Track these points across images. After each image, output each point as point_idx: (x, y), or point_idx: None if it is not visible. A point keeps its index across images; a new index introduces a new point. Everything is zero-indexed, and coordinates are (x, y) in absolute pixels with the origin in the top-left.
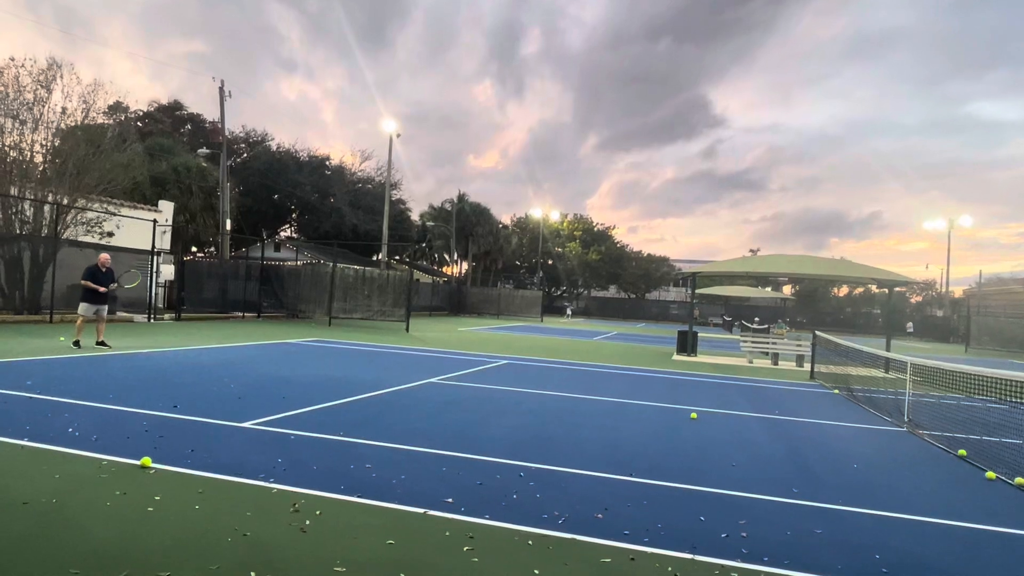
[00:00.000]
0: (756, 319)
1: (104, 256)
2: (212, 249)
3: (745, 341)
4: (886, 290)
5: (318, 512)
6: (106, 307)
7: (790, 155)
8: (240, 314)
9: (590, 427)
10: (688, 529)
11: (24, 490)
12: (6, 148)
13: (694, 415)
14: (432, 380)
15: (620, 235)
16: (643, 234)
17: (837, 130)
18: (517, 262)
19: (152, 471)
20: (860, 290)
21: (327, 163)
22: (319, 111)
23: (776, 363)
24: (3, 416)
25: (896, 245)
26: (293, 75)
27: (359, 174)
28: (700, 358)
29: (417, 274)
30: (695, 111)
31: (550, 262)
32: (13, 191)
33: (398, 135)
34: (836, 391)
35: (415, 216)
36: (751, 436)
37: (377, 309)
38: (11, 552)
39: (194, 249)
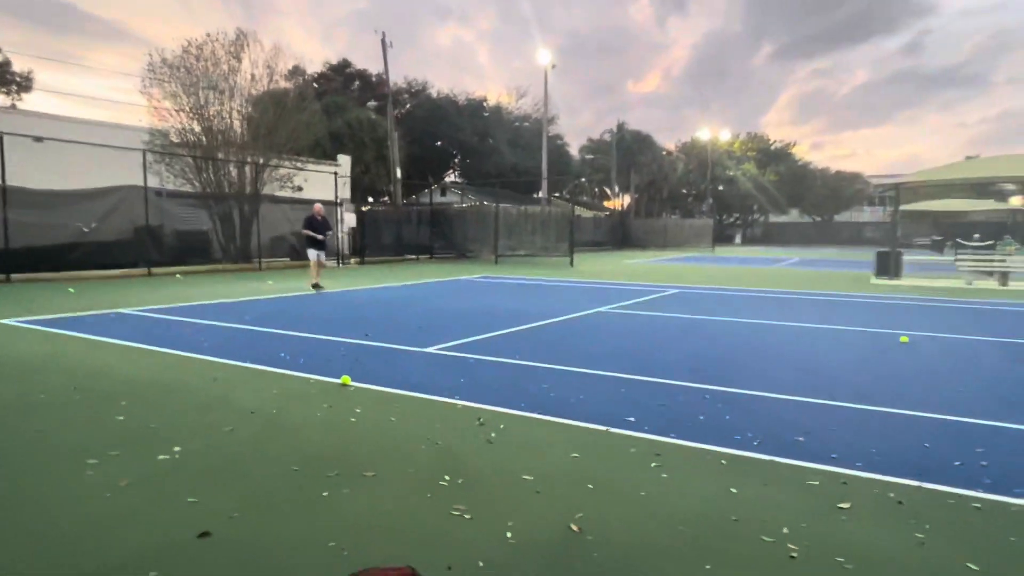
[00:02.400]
0: (976, 236)
1: (319, 207)
2: (386, 199)
3: (963, 259)
4: None
5: (502, 426)
6: (324, 252)
7: (1022, 37)
8: (414, 256)
9: (779, 352)
10: (910, 456)
11: (251, 402)
12: (211, 117)
13: (904, 339)
14: (601, 309)
15: (801, 153)
16: (829, 150)
17: None
18: (684, 190)
19: (352, 388)
20: None
21: (484, 104)
22: (474, 54)
23: (1005, 283)
24: (231, 344)
25: None
26: (447, 21)
27: (516, 112)
28: (904, 281)
29: (578, 209)
30: None
31: (720, 188)
32: (220, 155)
33: (553, 66)
34: None
35: (573, 151)
36: (981, 360)
37: (540, 245)
38: (246, 450)
39: (370, 199)
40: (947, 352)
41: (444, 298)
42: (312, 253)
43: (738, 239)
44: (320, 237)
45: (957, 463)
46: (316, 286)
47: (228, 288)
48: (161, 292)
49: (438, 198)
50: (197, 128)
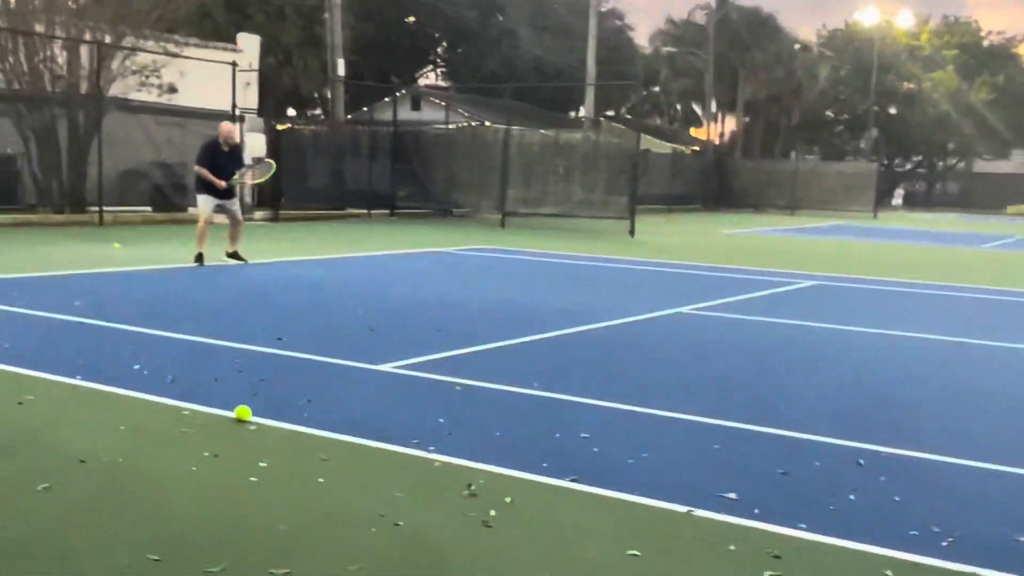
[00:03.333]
0: None
1: (227, 127)
2: (318, 111)
3: None
4: None
5: (508, 499)
6: (235, 201)
7: None
8: (364, 211)
9: (990, 391)
10: None
11: (80, 444)
12: None
13: None
14: (681, 310)
15: None
16: None
17: None
18: (829, 112)
19: (252, 427)
20: None
21: None
22: None
23: None
24: (48, 346)
25: None
26: None
27: None
28: None
29: (647, 140)
30: None
31: (892, 111)
32: (38, 27)
33: None
34: None
35: (642, 40)
36: None
37: (580, 199)
38: (68, 524)
39: (291, 111)
40: None
41: (413, 282)
42: (205, 203)
43: (898, 198)
44: (221, 184)
45: None
46: (198, 257)
47: (47, 253)
48: None
49: (407, 113)
50: None
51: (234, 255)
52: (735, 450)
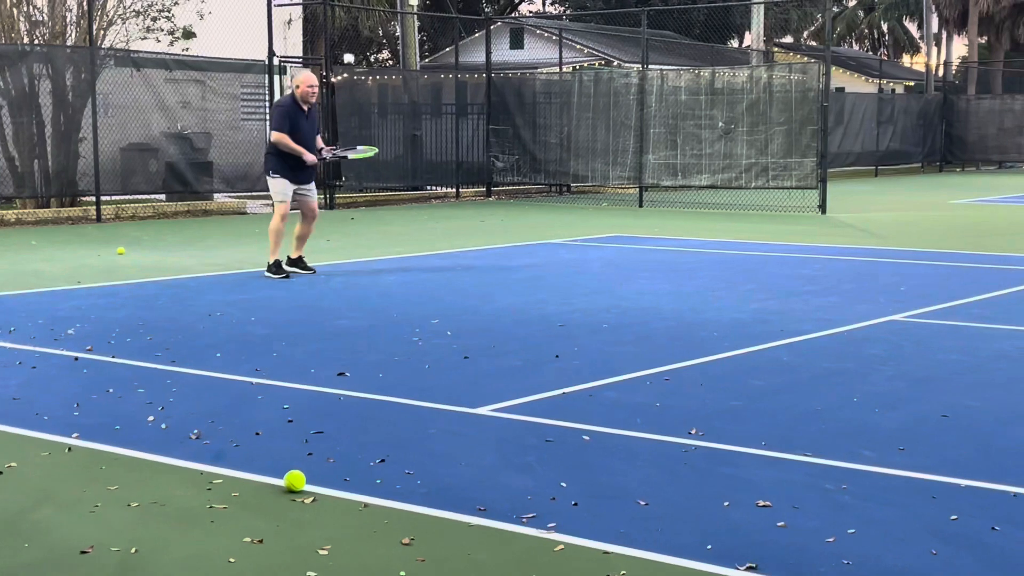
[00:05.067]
0: None
1: (306, 78)
2: (385, 56)
3: None
4: None
5: None
6: (312, 187)
7: None
8: (450, 191)
9: None
10: None
11: (81, 528)
12: None
13: None
14: (895, 317)
15: None
16: None
17: None
18: None
19: (309, 499)
20: None
21: None
22: None
23: None
24: (33, 394)
25: None
26: None
27: None
28: None
29: (840, 75)
30: None
31: None
32: None
33: None
34: None
35: None
36: None
37: (747, 164)
38: None
39: (348, 58)
40: None
41: (521, 290)
42: (281, 187)
43: None
44: (310, 158)
45: None
46: (277, 265)
47: (27, 262)
48: None
49: (505, 53)
50: None
51: (298, 263)
52: (981, 522)
